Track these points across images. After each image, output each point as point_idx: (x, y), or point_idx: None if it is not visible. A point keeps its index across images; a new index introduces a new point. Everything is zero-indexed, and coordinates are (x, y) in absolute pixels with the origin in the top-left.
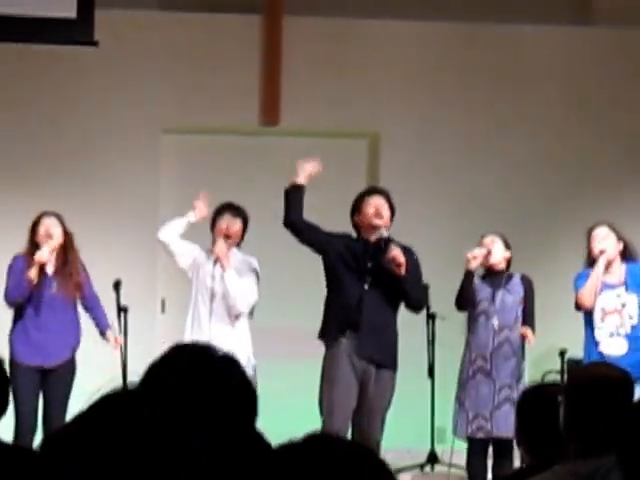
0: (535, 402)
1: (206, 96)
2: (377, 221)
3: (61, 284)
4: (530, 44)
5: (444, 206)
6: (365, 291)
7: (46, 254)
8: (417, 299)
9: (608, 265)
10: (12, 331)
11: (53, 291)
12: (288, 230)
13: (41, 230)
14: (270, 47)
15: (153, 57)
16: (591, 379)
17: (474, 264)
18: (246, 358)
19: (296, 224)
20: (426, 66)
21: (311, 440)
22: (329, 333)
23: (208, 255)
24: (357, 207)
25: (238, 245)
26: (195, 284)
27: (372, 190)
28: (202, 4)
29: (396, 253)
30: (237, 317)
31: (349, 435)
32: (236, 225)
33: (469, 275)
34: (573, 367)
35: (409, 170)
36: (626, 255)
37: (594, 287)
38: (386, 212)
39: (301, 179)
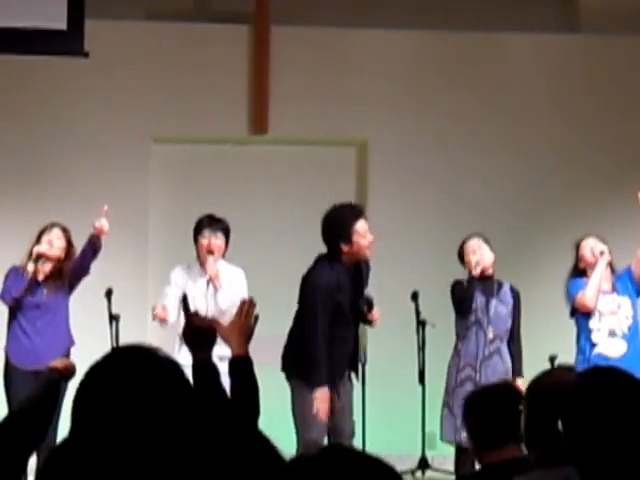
0: (482, 402)
1: (195, 105)
2: (371, 253)
3: (51, 290)
4: (517, 51)
5: (432, 212)
6: (355, 331)
7: (45, 247)
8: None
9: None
10: (7, 337)
11: (43, 297)
12: None
13: (44, 240)
14: (258, 57)
15: (143, 67)
16: (551, 385)
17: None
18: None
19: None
20: (413, 74)
21: (328, 453)
22: (331, 378)
23: (190, 271)
24: (346, 237)
25: (223, 256)
26: (192, 296)
27: (356, 213)
28: (190, 15)
29: (377, 315)
30: None
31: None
32: (218, 239)
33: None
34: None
35: (397, 177)
36: (613, 268)
37: (597, 288)
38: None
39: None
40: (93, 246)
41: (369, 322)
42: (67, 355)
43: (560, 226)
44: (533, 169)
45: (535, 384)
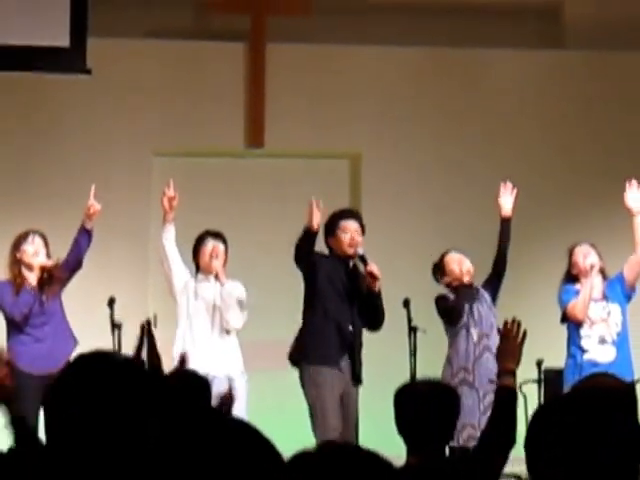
0: (409, 400)
1: (195, 120)
2: (352, 251)
3: (50, 296)
4: (503, 67)
5: (423, 222)
6: (355, 317)
7: (44, 260)
8: (383, 316)
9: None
10: (10, 347)
11: (45, 303)
12: (297, 260)
13: (29, 250)
14: (254, 73)
15: (143, 83)
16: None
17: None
18: (241, 370)
19: (305, 261)
20: (404, 89)
21: (326, 448)
22: (327, 355)
23: (203, 276)
24: (331, 231)
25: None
26: (192, 300)
27: (345, 214)
28: (189, 33)
29: (375, 267)
30: (229, 332)
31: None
32: (220, 246)
33: None
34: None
35: (389, 189)
36: (604, 274)
37: (587, 300)
38: (359, 238)
39: (315, 226)
40: (88, 235)
41: (372, 278)
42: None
43: (546, 235)
44: (519, 183)
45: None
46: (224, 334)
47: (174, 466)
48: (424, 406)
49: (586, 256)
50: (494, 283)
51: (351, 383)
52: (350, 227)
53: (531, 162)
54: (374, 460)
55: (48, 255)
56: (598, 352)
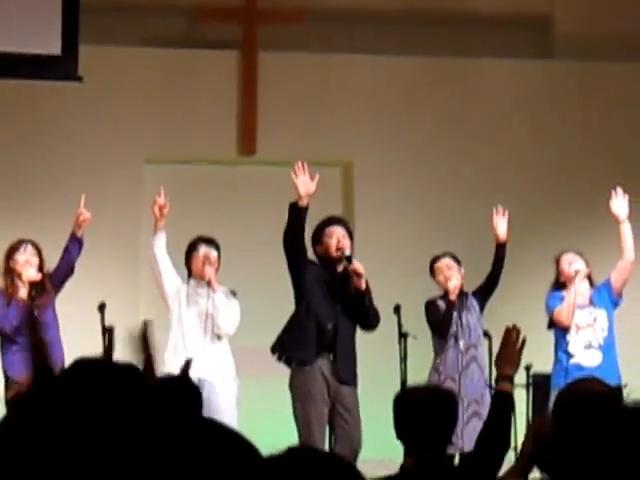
0: (408, 405)
1: (187, 127)
2: (339, 253)
3: (41, 306)
4: (494, 77)
5: (414, 229)
6: (339, 316)
7: (32, 273)
8: (374, 316)
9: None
10: (1, 353)
11: (33, 314)
12: (285, 246)
13: (21, 259)
14: (246, 81)
15: (136, 91)
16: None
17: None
18: (233, 376)
19: (296, 245)
20: (396, 98)
21: (292, 453)
22: (304, 354)
23: (195, 282)
24: (318, 238)
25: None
26: (184, 306)
27: (330, 221)
28: (182, 41)
29: (357, 265)
30: (220, 337)
31: (327, 447)
32: (213, 252)
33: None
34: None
35: (381, 196)
36: (591, 281)
37: (572, 305)
38: (347, 242)
39: (304, 200)
40: (78, 243)
41: (356, 275)
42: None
43: (533, 243)
44: (508, 192)
45: (565, 394)
46: (216, 339)
47: (160, 471)
48: (423, 411)
49: (571, 263)
50: (485, 295)
51: (341, 385)
52: (336, 232)
53: (522, 170)
54: (338, 465)
55: (41, 264)
56: (584, 356)
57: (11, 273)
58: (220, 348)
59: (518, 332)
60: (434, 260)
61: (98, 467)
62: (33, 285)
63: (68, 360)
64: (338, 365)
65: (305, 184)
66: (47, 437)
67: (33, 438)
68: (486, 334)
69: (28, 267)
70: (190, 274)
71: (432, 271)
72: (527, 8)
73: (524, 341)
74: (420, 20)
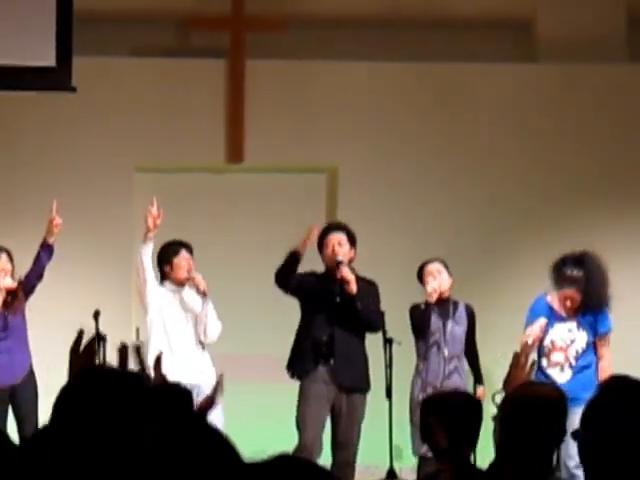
0: (435, 410)
1: (175, 135)
2: (334, 263)
3: (13, 312)
4: (478, 81)
5: (398, 236)
6: (336, 325)
7: (10, 281)
8: (367, 318)
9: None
10: None
11: (9, 319)
12: (277, 285)
13: None
14: (234, 89)
15: (126, 100)
16: (527, 399)
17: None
18: (210, 384)
19: (286, 285)
20: (381, 104)
21: (278, 461)
22: (303, 367)
23: (174, 286)
24: (320, 248)
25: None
26: (168, 312)
27: (328, 228)
28: (170, 50)
29: (343, 271)
30: (203, 345)
31: (323, 448)
32: (191, 260)
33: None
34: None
35: (365, 202)
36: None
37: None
38: (344, 246)
39: (303, 249)
40: (49, 250)
41: (345, 283)
42: (31, 370)
43: (517, 250)
44: (493, 197)
45: (514, 396)
46: (199, 345)
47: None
48: (449, 416)
49: (562, 308)
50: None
51: (341, 391)
52: (331, 241)
53: (508, 174)
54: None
55: (13, 271)
56: (553, 373)
57: None
58: (204, 353)
59: (527, 355)
60: (423, 265)
61: (104, 470)
62: (8, 292)
63: (62, 365)
64: (338, 372)
65: (308, 244)
66: (55, 445)
67: (41, 446)
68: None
69: (3, 275)
70: (163, 276)
71: (420, 276)
72: (509, 12)
73: (533, 363)
74: (404, 26)
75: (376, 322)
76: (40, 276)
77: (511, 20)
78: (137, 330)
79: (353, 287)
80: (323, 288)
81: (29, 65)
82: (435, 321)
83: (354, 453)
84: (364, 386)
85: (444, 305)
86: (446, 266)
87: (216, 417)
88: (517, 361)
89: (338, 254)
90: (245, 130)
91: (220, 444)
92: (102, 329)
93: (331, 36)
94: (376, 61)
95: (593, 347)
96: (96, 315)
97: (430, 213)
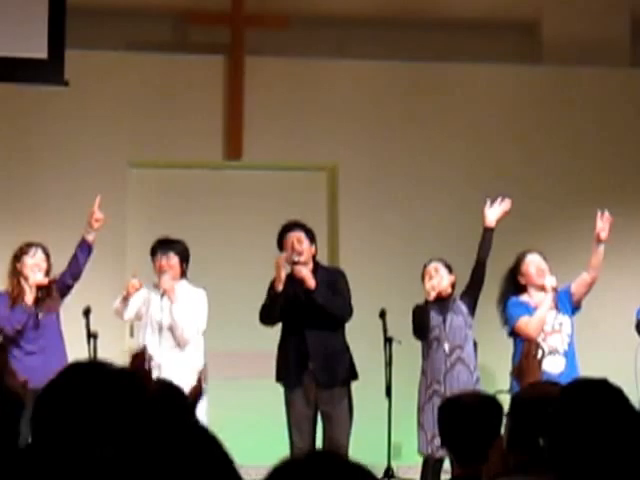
0: (455, 411)
1: (173, 131)
2: (294, 260)
3: (45, 310)
4: (478, 82)
5: (399, 234)
6: (306, 327)
7: (40, 277)
8: (331, 310)
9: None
10: None
11: (40, 318)
12: (263, 324)
13: (29, 262)
14: (233, 85)
15: (121, 94)
16: (535, 397)
17: (433, 295)
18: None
19: (273, 324)
20: (381, 102)
21: (313, 457)
22: (284, 374)
23: (155, 290)
24: (279, 247)
25: (184, 275)
26: (144, 318)
27: (286, 227)
28: (168, 45)
29: (297, 270)
30: (184, 345)
31: (316, 445)
32: (171, 260)
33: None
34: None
35: (366, 200)
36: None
37: (542, 321)
38: (304, 243)
39: (280, 285)
40: (88, 248)
41: (300, 279)
42: None
43: (517, 250)
44: (496, 196)
45: (520, 396)
46: (175, 348)
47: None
48: (468, 418)
49: (541, 274)
50: (472, 293)
51: (319, 388)
52: (288, 241)
53: (508, 175)
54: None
55: (49, 269)
56: (548, 362)
57: (18, 275)
58: (181, 355)
59: (537, 345)
60: (425, 265)
61: (97, 470)
62: (39, 289)
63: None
64: (316, 371)
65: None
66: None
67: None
68: (474, 343)
69: (36, 270)
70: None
71: (422, 275)
72: (514, 13)
73: (543, 353)
74: (406, 25)
75: (341, 312)
76: (77, 277)
77: (516, 22)
78: (131, 327)
79: (310, 283)
80: (291, 291)
81: (20, 57)
82: (435, 317)
83: (344, 449)
84: (345, 379)
85: (444, 303)
86: (447, 265)
87: (200, 410)
88: (528, 350)
89: (297, 251)
90: (244, 127)
91: (212, 443)
92: (95, 326)
93: (331, 33)
94: (377, 60)
95: (573, 330)
96: (86, 312)
97: (430, 211)
